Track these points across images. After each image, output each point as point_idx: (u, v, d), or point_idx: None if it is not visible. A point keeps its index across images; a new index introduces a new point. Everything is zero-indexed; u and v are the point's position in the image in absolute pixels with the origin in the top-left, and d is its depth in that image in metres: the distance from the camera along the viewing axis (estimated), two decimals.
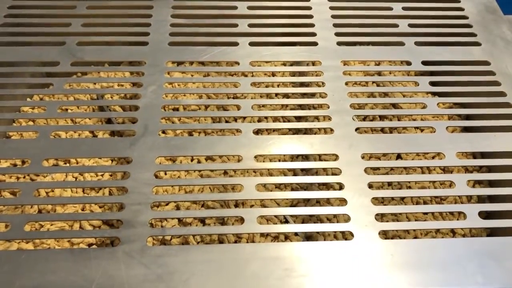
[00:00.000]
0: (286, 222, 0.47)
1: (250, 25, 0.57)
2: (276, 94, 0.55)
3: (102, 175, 0.49)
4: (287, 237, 0.46)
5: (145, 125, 0.46)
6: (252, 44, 0.56)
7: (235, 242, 0.45)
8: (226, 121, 0.55)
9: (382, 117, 0.51)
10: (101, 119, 0.55)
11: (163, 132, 0.51)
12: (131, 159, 0.43)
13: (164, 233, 0.40)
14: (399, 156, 0.51)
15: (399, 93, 0.56)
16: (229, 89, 0.51)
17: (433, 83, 0.53)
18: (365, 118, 0.54)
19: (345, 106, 0.49)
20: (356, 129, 0.47)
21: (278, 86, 0.52)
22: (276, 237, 0.46)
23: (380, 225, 0.40)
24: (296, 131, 0.51)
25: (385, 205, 0.46)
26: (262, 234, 0.45)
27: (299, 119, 0.51)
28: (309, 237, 0.47)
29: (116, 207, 0.47)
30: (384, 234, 0.43)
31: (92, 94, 0.53)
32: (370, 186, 0.43)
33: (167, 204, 0.49)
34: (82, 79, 0.56)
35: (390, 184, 0.50)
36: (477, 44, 0.58)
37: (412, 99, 0.54)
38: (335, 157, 0.44)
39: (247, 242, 0.45)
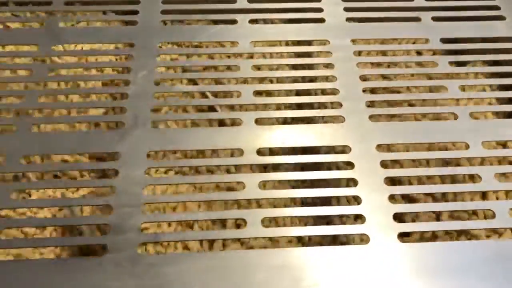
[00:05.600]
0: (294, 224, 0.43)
1: (250, 0, 0.55)
2: (280, 78, 0.52)
3: (87, 174, 0.46)
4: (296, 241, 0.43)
5: (135, 116, 0.44)
6: (252, 21, 0.54)
7: (237, 248, 0.42)
8: (225, 110, 0.51)
9: (398, 103, 0.48)
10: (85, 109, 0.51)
11: (155, 123, 0.48)
12: (120, 155, 0.41)
13: (158, 239, 0.38)
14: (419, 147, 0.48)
15: (417, 75, 0.52)
16: (228, 73, 0.49)
17: (453, 63, 0.50)
18: (379, 104, 0.50)
19: (357, 90, 0.46)
20: (370, 117, 0.44)
21: (282, 69, 0.50)
22: (283, 242, 0.43)
23: (400, 226, 0.38)
24: (303, 120, 0.48)
25: (404, 203, 0.43)
26: (267, 239, 0.43)
27: (306, 106, 0.49)
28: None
29: (103, 210, 0.44)
30: (404, 237, 0.41)
31: (75, 81, 0.49)
32: (387, 181, 0.40)
33: (160, 206, 0.45)
34: (65, 65, 0.52)
35: (409, 179, 0.46)
36: (501, 18, 0.55)
37: (431, 81, 0.51)
38: (347, 149, 0.42)
39: (251, 248, 0.42)
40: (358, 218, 0.40)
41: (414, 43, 0.55)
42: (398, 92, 0.50)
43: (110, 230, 0.37)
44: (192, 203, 0.44)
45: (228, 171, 0.44)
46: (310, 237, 0.42)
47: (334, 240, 0.41)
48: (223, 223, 0.42)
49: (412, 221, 0.43)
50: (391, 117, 0.47)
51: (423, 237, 0.42)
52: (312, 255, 0.36)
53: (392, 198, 0.39)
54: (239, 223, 0.42)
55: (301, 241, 0.42)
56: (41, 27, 0.52)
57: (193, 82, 0.52)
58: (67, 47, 0.53)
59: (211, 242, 0.42)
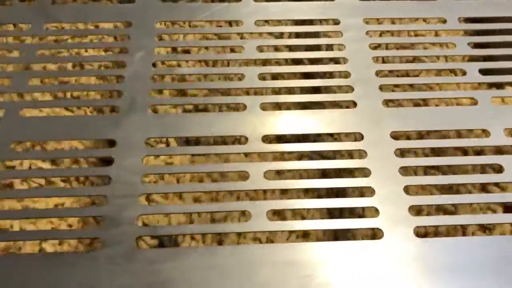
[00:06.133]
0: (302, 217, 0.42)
1: None
2: (287, 60, 0.51)
3: (80, 161, 0.44)
4: (304, 235, 0.42)
5: (131, 100, 0.42)
6: None
7: (242, 242, 0.41)
8: (228, 94, 0.49)
9: (414, 87, 0.47)
10: (77, 93, 0.50)
11: (154, 108, 0.47)
12: (115, 142, 0.39)
13: (156, 233, 0.36)
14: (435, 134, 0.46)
15: (435, 57, 0.49)
16: (231, 54, 0.48)
17: (473, 44, 0.47)
18: (394, 88, 0.49)
19: (369, 73, 0.44)
20: (384, 102, 0.42)
21: (289, 50, 0.48)
22: (290, 236, 0.42)
23: (416, 220, 0.36)
24: (312, 105, 0.46)
25: (421, 195, 0.41)
26: (274, 233, 0.41)
27: (314, 90, 0.47)
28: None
29: (97, 201, 0.43)
30: (421, 231, 0.39)
31: (67, 62, 0.48)
32: (402, 171, 0.38)
33: (159, 197, 0.43)
34: (57, 45, 0.50)
35: (426, 169, 0.45)
36: None
37: (449, 64, 0.48)
38: (359, 136, 0.40)
39: (256, 242, 0.41)
40: (371, 211, 0.37)
41: (430, 23, 0.53)
42: (414, 75, 0.49)
43: (104, 223, 0.35)
44: (192, 194, 0.42)
45: (231, 160, 0.42)
46: (319, 231, 0.40)
47: (346, 234, 0.39)
48: (226, 215, 0.41)
49: (429, 214, 0.41)
50: (406, 102, 0.45)
51: (441, 231, 0.40)
52: (322, 251, 0.34)
53: (408, 189, 0.38)
54: (243, 216, 0.40)
55: (310, 236, 0.40)
56: (33, 4, 0.50)
57: (194, 64, 0.50)
58: (60, 26, 0.50)
59: (213, 236, 0.40)
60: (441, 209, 0.41)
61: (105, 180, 0.38)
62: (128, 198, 0.36)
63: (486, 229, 0.41)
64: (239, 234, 0.40)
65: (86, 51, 0.47)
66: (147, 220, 0.41)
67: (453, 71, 0.49)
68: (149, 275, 0.33)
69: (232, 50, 0.50)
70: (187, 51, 0.50)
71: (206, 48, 0.50)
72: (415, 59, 0.48)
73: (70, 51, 0.48)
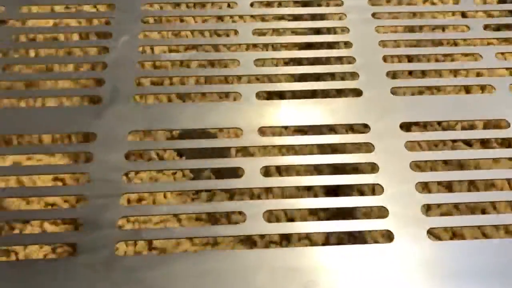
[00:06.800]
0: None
1: None
2: (286, 45, 0.49)
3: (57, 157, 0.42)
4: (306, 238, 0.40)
5: (114, 89, 0.40)
6: None
7: (235, 247, 0.39)
8: (222, 82, 0.49)
9: (425, 73, 0.45)
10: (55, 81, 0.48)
11: (139, 98, 0.45)
12: (96, 135, 0.37)
13: (139, 237, 0.35)
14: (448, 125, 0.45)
15: (446, 40, 0.48)
16: (225, 38, 0.47)
17: (489, 26, 0.46)
18: (403, 75, 0.47)
19: (376, 59, 0.42)
20: (392, 90, 0.40)
21: (287, 34, 0.46)
22: (290, 240, 0.40)
23: (429, 220, 0.34)
24: (313, 94, 0.45)
25: (434, 192, 0.39)
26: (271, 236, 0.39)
27: (316, 77, 0.45)
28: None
29: (74, 201, 0.41)
30: (436, 233, 0.37)
31: (44, 48, 0.45)
32: (414, 166, 0.36)
33: (144, 197, 0.42)
34: (34, 28, 0.49)
35: (440, 163, 0.42)
36: None
37: (463, 48, 0.46)
38: (366, 128, 0.38)
39: (252, 246, 0.38)
40: (380, 211, 0.35)
41: (443, 2, 0.50)
42: (425, 60, 0.46)
43: (82, 226, 0.33)
44: (181, 194, 0.40)
45: (225, 155, 0.40)
46: (322, 234, 0.38)
47: (352, 237, 0.37)
48: (218, 217, 0.39)
49: (444, 214, 0.38)
50: (417, 89, 0.43)
51: (458, 233, 0.37)
52: (325, 256, 0.32)
53: (420, 186, 0.35)
54: (237, 217, 0.38)
55: (312, 239, 0.38)
56: None
57: (183, 49, 0.49)
58: (36, 8, 0.48)
59: (204, 240, 0.38)
60: (458, 208, 0.39)
61: (83, 178, 0.36)
62: (108, 198, 0.34)
63: (508, 231, 0.38)
64: (232, 238, 0.37)
65: (64, 36, 0.45)
66: (129, 223, 0.39)
67: (468, 56, 0.46)
68: (130, 284, 0.31)
69: (226, 34, 0.48)
70: (176, 36, 0.48)
71: (198, 32, 0.48)
72: (425, 43, 0.46)
73: (46, 35, 0.46)
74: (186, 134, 0.43)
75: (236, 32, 0.44)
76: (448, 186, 0.39)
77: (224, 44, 0.46)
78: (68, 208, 0.38)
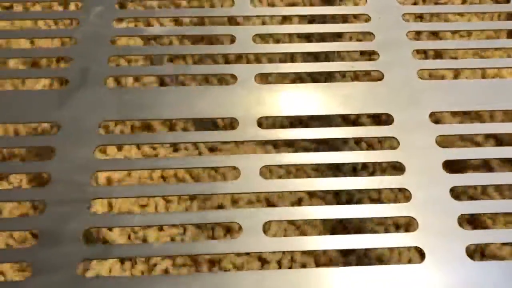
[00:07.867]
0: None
1: None
2: (292, 17, 0.45)
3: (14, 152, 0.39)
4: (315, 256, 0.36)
5: (83, 69, 0.37)
6: None
7: (228, 266, 0.35)
8: (214, 62, 0.45)
9: (459, 53, 0.41)
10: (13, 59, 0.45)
11: (113, 80, 0.42)
12: (59, 126, 0.33)
13: (109, 254, 0.30)
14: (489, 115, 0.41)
15: (479, 14, 0.44)
16: (219, 9, 0.44)
17: None
18: (431, 54, 0.43)
19: (399, 35, 0.39)
20: (419, 73, 0.37)
21: (294, 4, 0.43)
22: (294, 257, 0.37)
23: (469, 235, 0.30)
24: (324, 77, 0.42)
25: (474, 199, 0.36)
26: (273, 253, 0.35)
27: (327, 57, 0.42)
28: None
29: (33, 208, 0.39)
30: (476, 250, 0.34)
31: (7, 20, 0.42)
32: (447, 168, 0.32)
33: (116, 202, 0.39)
34: None
35: (478, 163, 0.40)
36: None
37: (502, 23, 0.42)
38: (388, 119, 0.35)
39: (249, 265, 0.35)
40: (407, 223, 0.33)
41: None
42: (459, 36, 0.43)
43: (40, 240, 0.30)
44: (163, 199, 0.36)
45: (215, 150, 0.37)
46: (335, 252, 0.34)
47: (372, 256, 0.34)
48: (208, 228, 0.35)
49: (486, 227, 0.35)
50: (449, 72, 0.39)
51: (502, 250, 0.34)
52: (340, 280, 0.28)
53: (456, 192, 0.31)
54: (232, 229, 0.35)
55: (319, 257, 0.35)
56: None
57: (168, 22, 0.46)
58: None
59: (191, 258, 0.34)
60: (500, 219, 0.35)
61: (42, 179, 0.32)
62: (72, 205, 0.31)
63: None
64: (225, 255, 0.34)
65: (23, 5, 0.42)
66: (98, 235, 0.35)
67: (502, 33, 0.43)
68: None
69: (219, 4, 0.45)
70: (159, 7, 0.44)
71: (185, 1, 0.44)
72: (456, 16, 0.43)
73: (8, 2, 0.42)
74: (170, 124, 0.40)
75: (231, 2, 0.39)
76: (491, 192, 0.36)
77: (217, 16, 0.43)
78: (23, 217, 0.34)
